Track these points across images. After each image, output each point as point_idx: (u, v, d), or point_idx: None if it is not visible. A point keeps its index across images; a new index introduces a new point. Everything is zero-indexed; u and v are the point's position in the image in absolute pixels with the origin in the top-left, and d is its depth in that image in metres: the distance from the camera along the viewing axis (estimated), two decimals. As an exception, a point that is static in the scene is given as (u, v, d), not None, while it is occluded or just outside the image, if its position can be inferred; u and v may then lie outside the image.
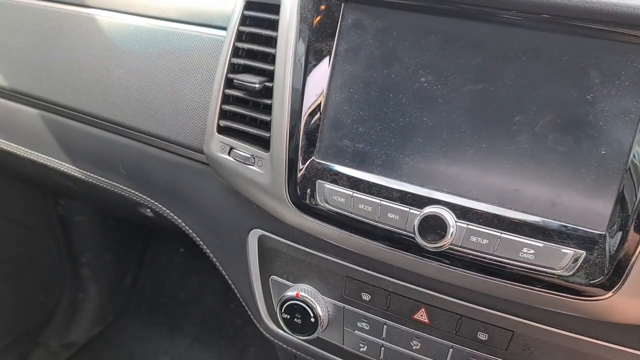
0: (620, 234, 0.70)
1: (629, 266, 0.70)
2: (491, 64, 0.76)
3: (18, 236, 2.16)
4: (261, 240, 1.03)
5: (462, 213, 0.77)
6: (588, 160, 0.72)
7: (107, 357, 2.38)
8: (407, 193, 0.80)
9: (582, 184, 0.73)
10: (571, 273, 0.73)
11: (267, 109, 0.89)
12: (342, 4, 0.82)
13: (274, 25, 0.88)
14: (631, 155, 0.69)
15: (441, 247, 0.77)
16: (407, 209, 0.80)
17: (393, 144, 0.82)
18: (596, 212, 0.72)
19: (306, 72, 0.85)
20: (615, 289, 0.71)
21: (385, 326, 0.94)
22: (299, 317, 0.96)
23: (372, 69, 0.82)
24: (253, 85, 0.89)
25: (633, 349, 0.79)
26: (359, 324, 0.96)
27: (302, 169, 0.87)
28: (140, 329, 2.53)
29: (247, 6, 0.92)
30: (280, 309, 0.97)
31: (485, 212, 0.76)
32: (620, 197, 0.70)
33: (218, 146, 0.95)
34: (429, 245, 0.77)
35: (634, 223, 0.69)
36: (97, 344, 2.44)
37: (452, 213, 0.77)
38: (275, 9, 0.88)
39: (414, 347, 0.93)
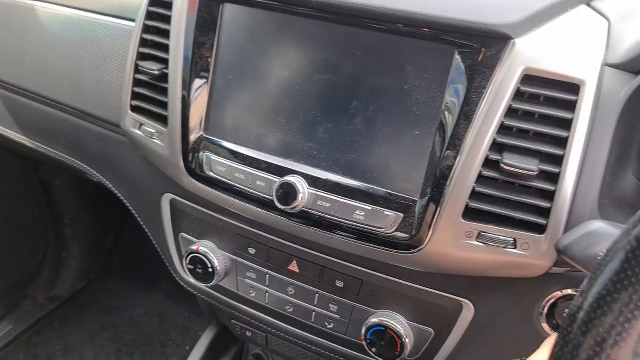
0: (425, 200, 0.84)
1: (432, 226, 0.84)
2: (334, 58, 0.88)
3: (3, 198, 2.32)
4: (172, 203, 1.17)
5: (313, 181, 0.91)
6: (406, 140, 0.85)
7: (88, 310, 2.55)
8: (272, 164, 0.94)
9: (403, 159, 0.86)
10: (392, 231, 0.87)
11: (166, 92, 1.03)
12: (221, 5, 0.95)
13: (170, 20, 1.02)
14: (435, 136, 0.83)
15: (294, 208, 0.89)
16: (271, 178, 0.93)
17: (263, 123, 0.95)
18: (412, 182, 0.85)
19: (194, 61, 0.98)
20: (424, 244, 0.85)
21: (267, 275, 1.08)
22: (200, 267, 1.11)
23: (246, 60, 0.95)
24: (153, 71, 1.02)
25: (451, 294, 0.94)
26: (248, 274, 1.11)
27: (192, 143, 1.01)
28: (120, 285, 2.70)
29: (151, 3, 1.04)
30: (186, 260, 1.13)
31: (330, 180, 0.90)
32: (427, 171, 0.85)
33: (131, 122, 1.09)
34: (285, 208, 0.91)
35: (434, 193, 0.83)
36: (80, 298, 2.61)
37: (304, 181, 0.91)
38: (171, 6, 1.01)
39: (290, 293, 1.08)
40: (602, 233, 0.59)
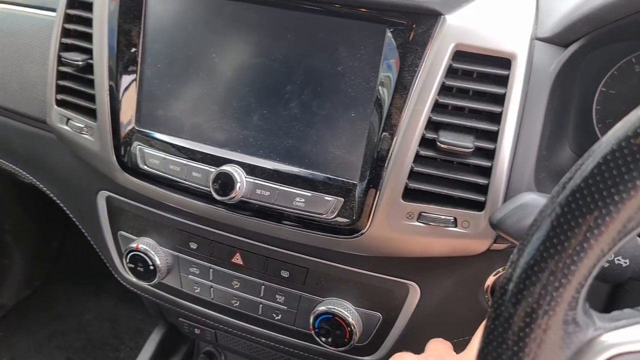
0: (365, 183, 0.83)
1: (372, 209, 0.83)
2: (265, 42, 0.85)
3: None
4: (108, 200, 1.12)
5: (250, 170, 0.88)
6: (342, 122, 0.83)
7: (34, 318, 2.45)
8: (207, 154, 0.90)
9: (340, 142, 0.84)
10: (334, 216, 0.86)
11: (92, 83, 0.98)
12: (144, -11, 0.91)
13: (92, 7, 0.96)
14: (371, 118, 0.82)
15: (232, 199, 0.86)
16: (207, 168, 0.90)
17: (196, 112, 0.91)
18: (351, 166, 0.83)
19: (120, 50, 0.93)
20: (365, 228, 0.84)
21: (211, 270, 1.05)
22: (140, 265, 1.07)
23: (175, 47, 0.91)
24: (76, 62, 0.97)
25: (396, 277, 0.93)
26: (190, 270, 1.07)
27: (124, 136, 0.96)
28: (67, 291, 2.61)
29: (72, -10, 0.99)
30: (126, 259, 1.08)
31: (268, 168, 0.87)
32: (365, 153, 0.83)
33: (57, 117, 1.03)
34: (223, 198, 0.87)
35: (373, 175, 0.81)
36: (25, 306, 2.51)
37: (241, 170, 0.88)
38: (93, -7, 0.96)
39: (235, 286, 1.04)
40: (534, 204, 0.58)
